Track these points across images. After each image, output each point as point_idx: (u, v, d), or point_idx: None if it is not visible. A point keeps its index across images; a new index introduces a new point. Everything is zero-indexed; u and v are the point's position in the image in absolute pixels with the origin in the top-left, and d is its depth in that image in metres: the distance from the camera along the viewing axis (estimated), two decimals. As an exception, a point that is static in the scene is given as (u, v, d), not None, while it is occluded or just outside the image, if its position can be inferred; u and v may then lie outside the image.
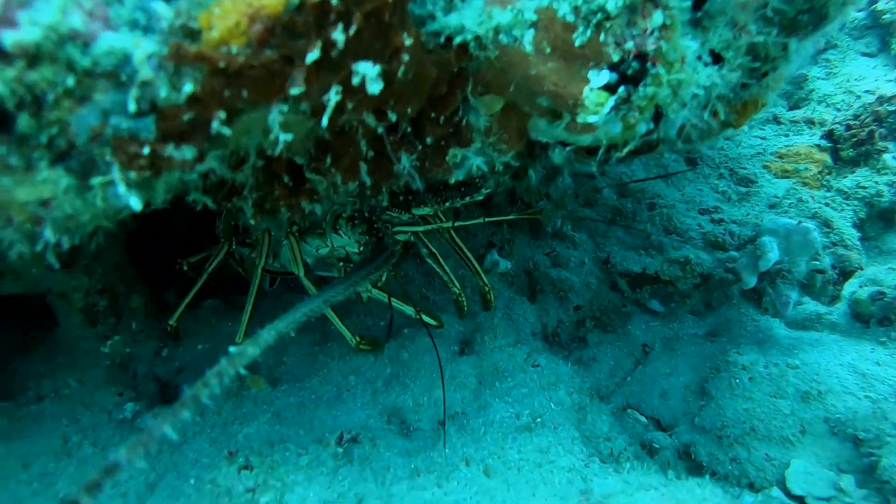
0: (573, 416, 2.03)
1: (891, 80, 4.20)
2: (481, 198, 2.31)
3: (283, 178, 1.04)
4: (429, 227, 2.34)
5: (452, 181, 1.21)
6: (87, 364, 2.30)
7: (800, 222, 2.98)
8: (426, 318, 2.27)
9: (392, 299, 2.21)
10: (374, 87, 0.88)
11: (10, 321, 2.64)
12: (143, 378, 2.33)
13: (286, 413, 1.98)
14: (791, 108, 4.57)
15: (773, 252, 2.84)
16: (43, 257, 0.97)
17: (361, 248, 2.24)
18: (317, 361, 2.27)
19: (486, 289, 2.73)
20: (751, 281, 2.94)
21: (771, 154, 4.15)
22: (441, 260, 2.63)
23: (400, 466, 1.68)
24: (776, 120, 4.47)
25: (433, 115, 1.02)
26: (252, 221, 1.22)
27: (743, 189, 3.89)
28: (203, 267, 2.54)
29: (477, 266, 2.72)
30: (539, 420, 1.86)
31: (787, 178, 3.93)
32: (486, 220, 2.45)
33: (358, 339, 2.21)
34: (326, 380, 2.13)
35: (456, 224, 2.37)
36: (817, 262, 2.93)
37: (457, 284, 2.60)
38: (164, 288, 2.84)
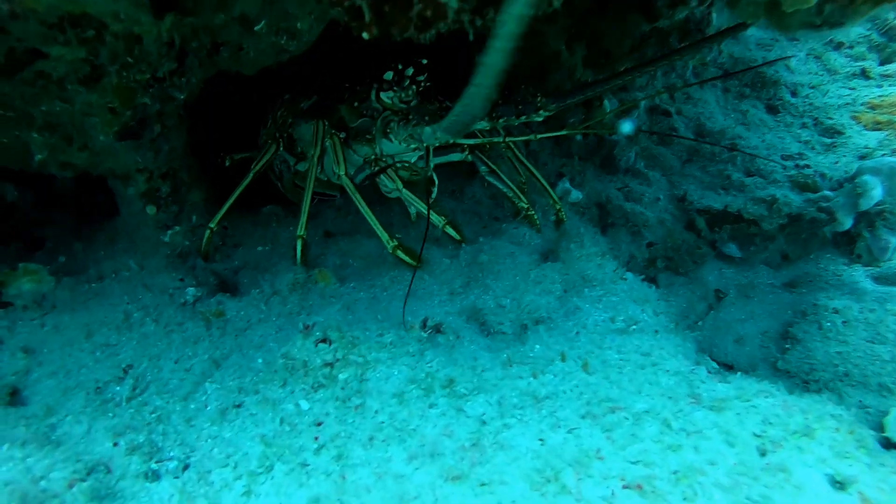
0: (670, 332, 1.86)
1: None
2: (540, 119, 2.16)
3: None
4: (480, 140, 2.22)
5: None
6: (148, 251, 2.19)
7: (908, 160, 2.73)
8: (450, 231, 2.14)
9: (418, 203, 2.10)
10: None
11: (70, 209, 2.56)
12: (201, 271, 2.22)
13: (358, 306, 1.85)
14: (883, 63, 4.26)
15: (876, 190, 2.61)
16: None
17: (416, 159, 2.14)
18: (386, 263, 2.12)
19: (557, 206, 2.56)
20: (846, 222, 2.71)
21: (861, 105, 3.87)
22: (503, 176, 2.49)
23: (488, 358, 1.53)
24: (864, 74, 4.19)
25: None
26: (366, 34, 1.06)
27: (828, 140, 3.64)
28: (246, 170, 2.41)
29: (545, 183, 2.56)
30: (636, 326, 1.70)
31: (880, 129, 3.65)
32: (538, 135, 2.29)
33: (395, 243, 2.08)
34: (398, 279, 1.99)
35: (508, 139, 2.23)
36: (924, 206, 2.68)
37: (523, 199, 2.45)
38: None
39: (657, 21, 2.71)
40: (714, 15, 3.07)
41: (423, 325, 1.55)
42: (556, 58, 3.04)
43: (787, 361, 2.53)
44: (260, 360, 1.61)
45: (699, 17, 2.96)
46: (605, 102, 3.28)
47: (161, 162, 2.09)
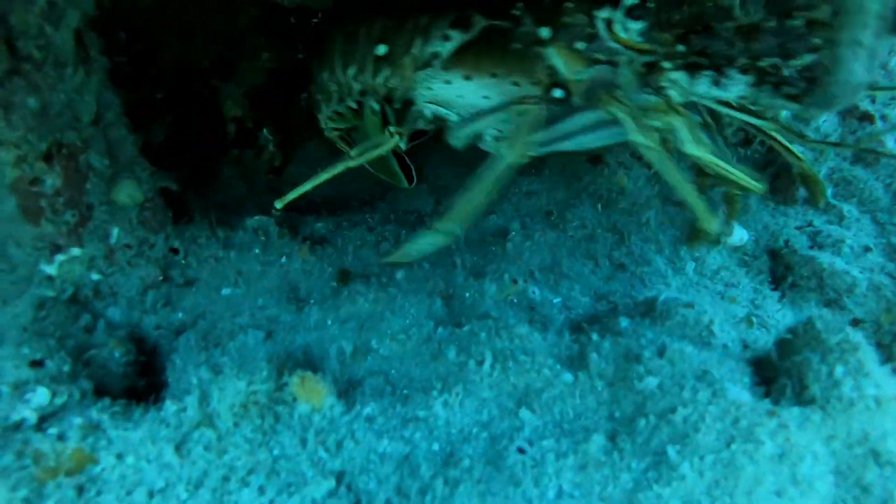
0: None
1: None
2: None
3: None
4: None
5: None
6: (8, 290, 1.20)
7: None
8: None
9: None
10: None
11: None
12: (104, 333, 1.21)
13: (367, 484, 0.80)
14: None
15: None
16: None
17: None
18: (441, 359, 1.07)
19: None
20: None
21: None
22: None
23: None
24: None
25: None
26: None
27: None
28: None
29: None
30: None
31: None
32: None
33: None
34: (463, 408, 0.93)
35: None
36: None
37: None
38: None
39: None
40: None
41: None
42: None
43: None
44: None
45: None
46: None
47: (30, 130, 1.08)
